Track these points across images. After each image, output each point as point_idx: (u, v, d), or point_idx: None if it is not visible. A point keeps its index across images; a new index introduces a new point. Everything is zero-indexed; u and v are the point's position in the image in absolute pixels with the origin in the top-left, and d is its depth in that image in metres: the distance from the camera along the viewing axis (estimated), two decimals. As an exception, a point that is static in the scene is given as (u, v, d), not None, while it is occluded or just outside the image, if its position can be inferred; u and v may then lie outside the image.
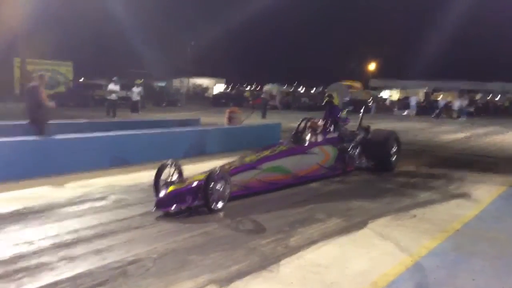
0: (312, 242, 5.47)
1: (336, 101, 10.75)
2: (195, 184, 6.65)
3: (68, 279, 4.20)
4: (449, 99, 41.31)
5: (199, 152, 11.65)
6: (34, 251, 4.85)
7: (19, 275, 4.24)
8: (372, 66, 69.49)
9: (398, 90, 68.87)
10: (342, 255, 5.08)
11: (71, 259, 4.68)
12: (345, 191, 8.43)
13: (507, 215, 7.14)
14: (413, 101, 38.74)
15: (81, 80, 41.76)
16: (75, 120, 15.53)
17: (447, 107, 37.92)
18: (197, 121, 16.17)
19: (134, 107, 22.92)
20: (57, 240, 5.19)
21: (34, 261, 4.57)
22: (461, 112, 35.11)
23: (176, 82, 58.87)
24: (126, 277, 4.30)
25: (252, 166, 7.68)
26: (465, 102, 36.59)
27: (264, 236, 5.65)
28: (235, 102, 38.51)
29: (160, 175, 6.86)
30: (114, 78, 22.76)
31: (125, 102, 26.33)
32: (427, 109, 38.37)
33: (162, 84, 54.35)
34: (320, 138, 9.56)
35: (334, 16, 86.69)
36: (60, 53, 42.38)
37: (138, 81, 29.07)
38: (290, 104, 41.70)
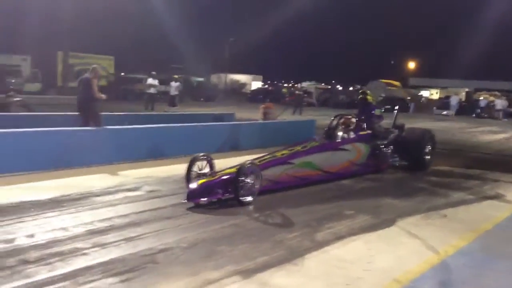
0: (338, 237, 5.52)
1: (370, 98, 10.69)
2: (226, 177, 6.77)
3: (100, 264, 4.38)
4: (491, 99, 40.22)
5: (232, 146, 11.78)
6: (69, 237, 5.08)
7: (53, 260, 4.44)
8: (411, 65, 68.38)
9: (438, 90, 67.49)
10: (368, 252, 5.11)
11: (104, 245, 4.87)
12: (376, 189, 8.42)
13: (540, 217, 6.99)
14: (453, 100, 37.91)
15: (122, 74, 42.63)
16: (114, 112, 15.92)
17: (489, 107, 36.97)
18: (231, 115, 16.34)
19: (172, 101, 23.28)
20: (90, 227, 5.40)
21: (67, 247, 4.78)
22: (503, 112, 34.18)
23: (214, 78, 59.39)
24: (156, 264, 4.46)
25: (283, 161, 7.74)
26: (505, 103, 35.51)
27: (292, 230, 5.73)
28: (272, 98, 38.59)
29: (192, 167, 7.02)
30: (153, 73, 23.27)
31: (164, 96, 26.79)
32: (467, 109, 37.50)
33: (201, 79, 54.92)
34: (352, 135, 9.46)
35: (375, 13, 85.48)
36: (102, 47, 43.28)
37: (177, 76, 29.39)
38: (327, 101, 41.49)
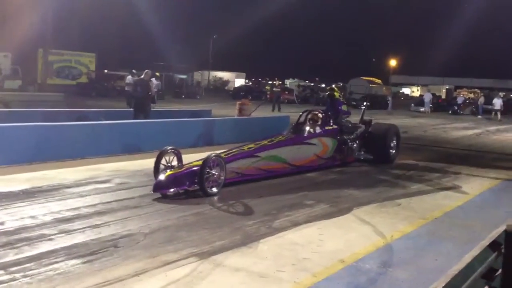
0: (295, 224, 5.87)
1: (337, 94, 11.04)
2: (192, 169, 7.05)
3: (64, 248, 4.68)
4: (470, 96, 40.94)
5: (207, 142, 12.08)
6: (37, 224, 5.36)
7: (20, 244, 4.73)
8: (393, 63, 69.21)
9: (419, 87, 68.39)
10: (319, 236, 5.46)
11: (69, 232, 5.16)
12: (339, 181, 8.81)
13: (489, 205, 7.44)
14: (427, 97, 38.47)
15: (105, 71, 42.61)
16: (93, 109, 16.10)
17: (465, 104, 37.71)
18: (208, 112, 16.63)
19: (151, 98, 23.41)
20: (58, 216, 5.69)
21: (35, 233, 5.07)
22: (477, 109, 34.79)
23: (197, 75, 59.57)
24: (117, 248, 4.76)
25: (250, 154, 8.05)
26: (482, 100, 36.01)
27: (251, 217, 6.07)
28: (255, 95, 38.88)
29: (160, 160, 7.28)
30: (133, 71, 23.38)
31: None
32: (445, 106, 38.19)
33: (183, 76, 55.05)
34: (318, 130, 9.72)
35: (357, 12, 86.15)
36: (84, 45, 43.26)
37: (157, 74, 29.57)
38: (308, 98, 41.96)
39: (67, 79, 39.64)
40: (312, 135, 9.55)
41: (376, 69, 67.85)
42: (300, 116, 10.25)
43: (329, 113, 10.45)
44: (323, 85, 66.01)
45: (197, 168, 7.00)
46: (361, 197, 7.51)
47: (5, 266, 4.19)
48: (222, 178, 7.19)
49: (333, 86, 11.39)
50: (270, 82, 67.90)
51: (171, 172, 7.04)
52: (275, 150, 8.56)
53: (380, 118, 24.91)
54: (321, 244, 5.21)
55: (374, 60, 75.88)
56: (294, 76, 60.13)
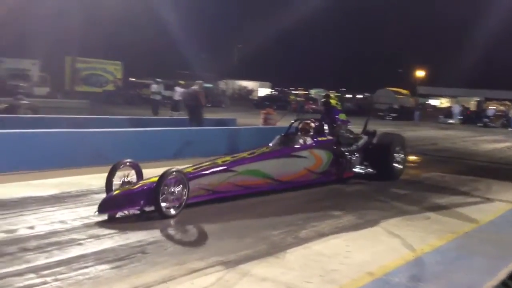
0: (321, 235, 5.82)
1: (333, 102, 9.97)
2: (148, 186, 6.13)
3: (93, 253, 4.73)
4: (501, 108, 40.23)
5: (233, 149, 11.93)
6: (67, 229, 5.43)
7: (50, 248, 4.79)
8: (420, 73, 68.50)
9: (448, 99, 67.46)
10: (346, 248, 5.39)
11: (98, 237, 5.22)
12: (365, 192, 8.68)
13: (522, 220, 7.25)
14: (455, 109, 37.98)
15: (131, 79, 43.23)
16: (117, 116, 16.31)
17: (496, 116, 37.06)
18: (233, 121, 16.68)
19: (175, 106, 23.68)
20: (87, 221, 5.75)
21: (65, 238, 5.13)
22: (509, 122, 34.21)
23: (221, 84, 59.95)
24: (145, 255, 4.79)
25: (223, 169, 7.10)
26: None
27: (276, 227, 6.02)
28: (280, 105, 38.84)
29: (113, 175, 6.31)
30: (157, 79, 23.81)
31: (170, 102, 27.21)
32: (475, 118, 37.57)
33: (209, 85, 55.42)
34: (311, 140, 8.69)
35: (384, 22, 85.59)
36: (111, 53, 43.96)
37: (182, 82, 29.87)
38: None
39: (94, 86, 40.30)
40: (302, 147, 8.47)
41: (403, 79, 67.26)
42: (290, 125, 9.44)
43: (324, 122, 9.41)
44: (350, 96, 65.74)
45: (153, 185, 6.08)
46: (388, 209, 7.41)
47: (36, 270, 4.25)
48: (184, 197, 6.27)
49: (329, 93, 10.46)
50: (294, 92, 67.92)
51: (122, 189, 6.13)
52: (256, 164, 7.60)
53: (408, 130, 24.83)
54: (349, 255, 5.14)
55: (401, 70, 75.22)
56: (320, 85, 59.90)
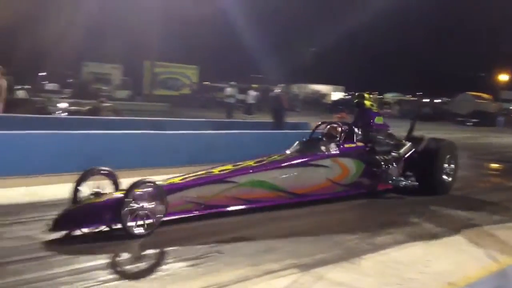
0: (398, 242, 5.66)
1: (368, 103, 8.69)
2: (114, 199, 5.26)
3: (172, 251, 4.88)
4: None
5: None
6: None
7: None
8: (504, 77, 65.04)
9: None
10: (425, 256, 5.22)
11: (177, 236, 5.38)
12: (443, 201, 8.30)
13: None
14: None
15: (205, 83, 44.26)
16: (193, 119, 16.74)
17: None
18: (306, 124, 16.62)
19: (248, 109, 24.06)
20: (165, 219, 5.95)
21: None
22: None
23: (294, 88, 59.97)
24: (221, 255, 4.88)
25: (219, 179, 6.19)
26: None
27: (351, 233, 5.92)
28: (352, 109, 38.24)
29: (80, 184, 5.42)
30: (232, 83, 24.24)
31: (244, 105, 27.64)
32: None
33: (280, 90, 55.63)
34: (334, 148, 7.53)
35: (466, 24, 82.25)
36: (188, 57, 45.18)
37: (255, 86, 30.27)
38: (409, 113, 40.72)
39: (172, 90, 41.62)
40: (324, 155, 7.38)
41: (485, 84, 64.23)
42: (314, 129, 8.65)
43: (357, 127, 8.29)
44: (427, 100, 63.55)
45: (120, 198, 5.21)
46: (470, 218, 7.08)
47: (120, 264, 4.45)
48: (158, 213, 5.34)
49: (364, 93, 8.93)
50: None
51: (85, 202, 5.28)
52: (262, 174, 6.58)
53: (491, 136, 23.71)
54: (428, 264, 4.97)
55: (483, 74, 71.91)
56: (396, 89, 58.31)
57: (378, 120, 8.59)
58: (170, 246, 5.02)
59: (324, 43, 65.10)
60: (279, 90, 15.89)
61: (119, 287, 4.06)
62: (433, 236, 5.99)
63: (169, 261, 4.64)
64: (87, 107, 16.20)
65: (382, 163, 7.98)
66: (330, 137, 7.89)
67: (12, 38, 32.51)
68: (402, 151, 8.48)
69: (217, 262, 4.66)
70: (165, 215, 5.42)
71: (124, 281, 4.17)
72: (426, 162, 8.39)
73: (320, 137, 8.02)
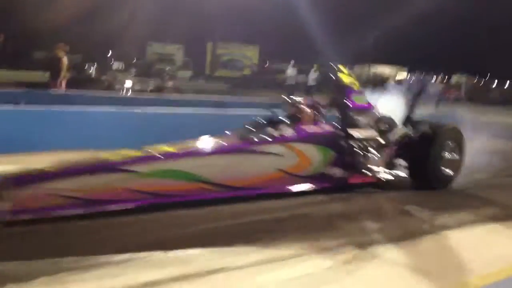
0: (459, 224, 5.56)
1: (346, 77, 7.10)
2: None
3: (226, 226, 5.05)
4: None
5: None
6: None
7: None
8: None
9: None
10: (486, 238, 5.17)
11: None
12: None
13: None
14: None
15: (266, 64, 44.34)
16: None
17: None
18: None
19: (308, 91, 23.93)
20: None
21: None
22: None
23: (356, 69, 58.99)
24: (275, 230, 5.00)
25: (109, 167, 5.02)
26: None
27: (412, 213, 5.92)
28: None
29: None
30: (293, 64, 24.19)
31: (305, 86, 27.58)
32: None
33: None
34: (292, 131, 6.25)
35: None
36: (249, 38, 45.34)
37: (316, 67, 30.02)
38: (477, 96, 39.22)
39: (232, 71, 42.01)
40: (274, 140, 6.02)
41: None
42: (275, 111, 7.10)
43: (335, 107, 7.07)
44: (495, 83, 60.76)
45: None
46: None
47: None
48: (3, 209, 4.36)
49: (339, 65, 7.34)
50: (434, 78, 64.45)
51: None
52: (177, 161, 5.35)
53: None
54: (489, 247, 4.90)
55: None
56: (466, 70, 56.03)
57: (358, 99, 7.04)
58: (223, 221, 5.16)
59: (388, 22, 63.39)
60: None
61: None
62: (496, 219, 5.86)
63: (225, 237, 4.73)
64: (151, 87, 16.74)
65: (359, 151, 6.64)
66: (294, 119, 6.54)
67: (84, 19, 33.73)
68: (390, 137, 7.13)
69: (274, 237, 4.75)
70: (13, 214, 4.38)
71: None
72: (420, 150, 7.02)
73: (275, 119, 6.54)
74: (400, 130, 7.32)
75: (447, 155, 7.19)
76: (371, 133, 6.89)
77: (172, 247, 4.30)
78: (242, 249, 4.43)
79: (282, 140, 6.08)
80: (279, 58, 46.60)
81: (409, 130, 7.31)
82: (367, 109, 7.12)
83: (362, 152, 6.63)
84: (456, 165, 7.33)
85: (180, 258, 4.17)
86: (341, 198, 6.39)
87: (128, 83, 17.23)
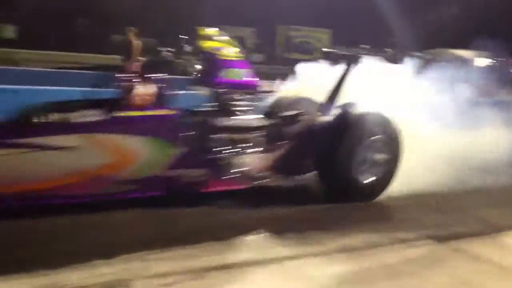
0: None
1: (211, 43, 5.44)
2: None
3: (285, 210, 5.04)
4: None
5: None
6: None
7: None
8: None
9: None
10: None
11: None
12: None
13: None
14: None
15: (334, 49, 43.64)
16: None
17: None
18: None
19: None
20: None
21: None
22: None
23: (428, 55, 56.87)
24: (349, 220, 4.94)
25: None
26: None
27: (495, 207, 5.65)
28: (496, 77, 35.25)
29: None
30: (362, 45, 23.68)
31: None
32: None
33: (418, 55, 53.01)
34: (103, 114, 4.59)
35: None
36: (321, 21, 44.71)
37: (386, 50, 29.23)
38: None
39: (304, 53, 41.70)
40: (69, 128, 4.43)
41: None
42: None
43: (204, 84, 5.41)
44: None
45: None
46: None
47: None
48: None
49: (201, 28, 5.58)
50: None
51: None
52: None
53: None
54: None
55: None
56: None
57: (232, 74, 5.22)
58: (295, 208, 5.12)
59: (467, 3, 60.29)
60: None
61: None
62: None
63: (298, 224, 4.68)
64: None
65: (226, 145, 4.98)
66: (129, 100, 4.71)
67: (158, 4, 34.51)
68: (296, 127, 5.40)
69: (349, 226, 4.67)
70: None
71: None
72: (328, 147, 5.16)
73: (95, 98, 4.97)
74: (314, 116, 5.48)
75: (367, 156, 5.27)
76: (248, 121, 5.20)
77: (248, 233, 4.34)
78: (314, 238, 4.37)
79: (85, 129, 4.42)
80: (352, 42, 45.69)
81: (326, 118, 5.40)
82: (247, 86, 5.34)
83: (231, 148, 5.00)
84: (384, 169, 5.35)
85: (256, 244, 4.20)
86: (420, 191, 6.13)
87: (199, 66, 17.42)
